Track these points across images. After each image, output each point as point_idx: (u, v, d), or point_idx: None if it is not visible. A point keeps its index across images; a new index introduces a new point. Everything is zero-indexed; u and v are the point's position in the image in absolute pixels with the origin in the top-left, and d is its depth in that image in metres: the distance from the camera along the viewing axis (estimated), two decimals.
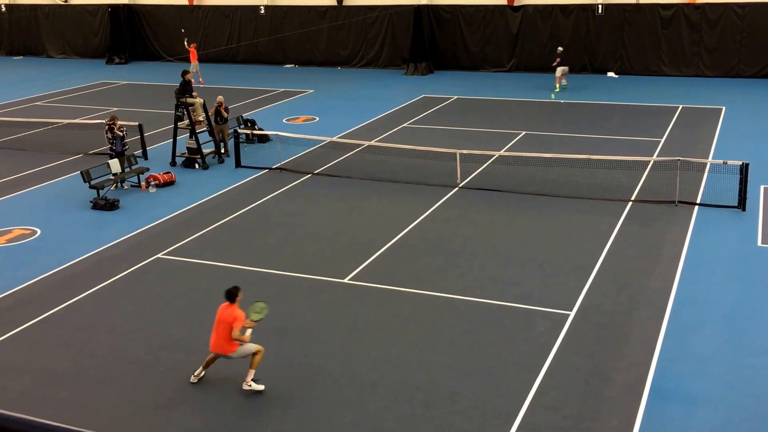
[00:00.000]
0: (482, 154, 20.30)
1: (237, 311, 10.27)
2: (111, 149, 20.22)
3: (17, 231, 16.76)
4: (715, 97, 28.47)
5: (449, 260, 14.49)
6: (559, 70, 30.17)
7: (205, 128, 21.88)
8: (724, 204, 16.82)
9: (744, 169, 16.53)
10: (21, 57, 45.30)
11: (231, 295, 10.37)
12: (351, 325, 12.19)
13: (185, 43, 35.64)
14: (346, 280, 13.76)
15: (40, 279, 14.25)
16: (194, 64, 33.96)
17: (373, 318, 12.43)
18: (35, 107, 30.27)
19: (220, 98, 22.18)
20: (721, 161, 17.87)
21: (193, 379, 10.65)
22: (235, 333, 10.16)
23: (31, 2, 44.91)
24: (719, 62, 32.62)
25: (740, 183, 16.65)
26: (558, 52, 30.46)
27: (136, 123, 22.56)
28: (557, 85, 30.32)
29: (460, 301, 12.83)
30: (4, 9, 45.58)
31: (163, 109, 27.46)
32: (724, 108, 26.71)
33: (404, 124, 25.53)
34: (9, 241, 16.22)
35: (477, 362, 10.97)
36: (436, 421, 9.68)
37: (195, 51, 34.74)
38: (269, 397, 10.29)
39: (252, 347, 10.41)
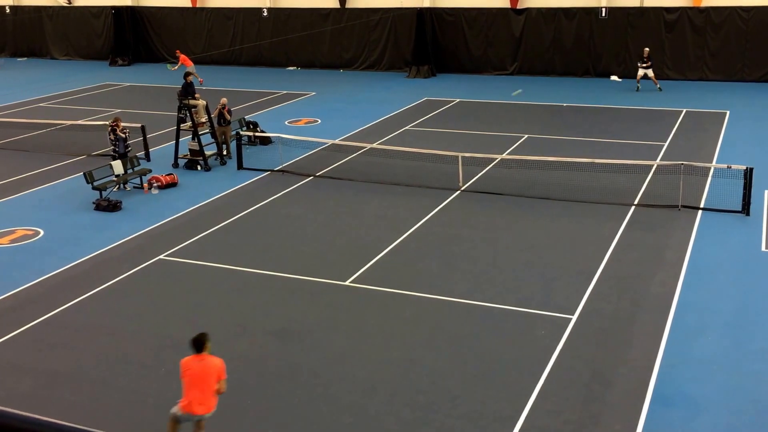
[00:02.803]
0: (484, 158, 20.28)
1: (216, 359, 8.97)
2: (114, 151, 20.26)
3: (20, 231, 16.78)
4: (719, 102, 28.43)
5: (451, 263, 14.48)
6: (641, 71, 30.93)
7: (207, 130, 21.90)
8: (728, 209, 16.79)
9: (748, 174, 16.49)
10: (25, 58, 45.37)
11: (200, 344, 8.84)
12: (352, 328, 12.18)
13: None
14: (347, 283, 13.75)
15: (43, 280, 14.25)
16: (192, 67, 34.11)
17: (374, 321, 12.41)
18: (39, 108, 30.30)
19: (223, 100, 22.20)
20: (725, 165, 17.78)
21: None
22: (222, 385, 8.92)
23: (35, 4, 45.00)
24: (723, 66, 32.57)
25: (744, 188, 16.60)
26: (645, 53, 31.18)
27: (139, 124, 22.59)
28: (638, 84, 31.08)
29: (462, 305, 12.81)
30: (8, 10, 45.68)
31: (166, 111, 27.48)
32: (728, 112, 26.68)
33: (406, 127, 25.53)
34: (12, 241, 16.23)
35: (478, 366, 10.95)
36: (437, 424, 9.65)
37: (185, 56, 34.99)
38: (270, 399, 10.28)
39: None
